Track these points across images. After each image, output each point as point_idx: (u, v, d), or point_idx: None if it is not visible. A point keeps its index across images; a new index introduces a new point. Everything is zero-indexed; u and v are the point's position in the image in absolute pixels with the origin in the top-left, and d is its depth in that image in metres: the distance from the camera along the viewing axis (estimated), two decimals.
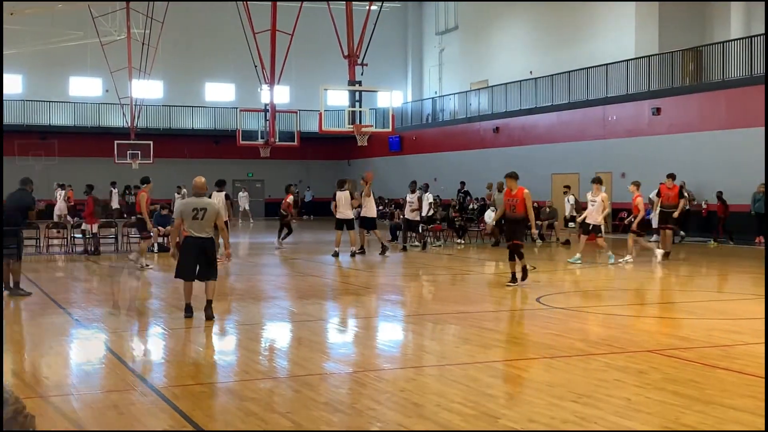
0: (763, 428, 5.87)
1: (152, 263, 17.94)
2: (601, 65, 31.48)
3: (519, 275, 14.12)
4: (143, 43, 37.54)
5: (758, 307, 11.74)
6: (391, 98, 29.61)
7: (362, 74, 26.38)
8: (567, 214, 25.22)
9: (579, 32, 35.36)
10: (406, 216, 22.73)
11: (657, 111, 28.65)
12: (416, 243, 23.23)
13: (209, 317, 10.51)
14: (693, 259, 19.08)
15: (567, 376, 7.56)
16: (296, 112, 38.70)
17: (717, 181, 25.89)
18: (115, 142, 40.66)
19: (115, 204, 38.69)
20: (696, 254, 20.63)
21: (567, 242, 24.56)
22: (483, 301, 13.11)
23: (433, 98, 44.76)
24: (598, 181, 18.70)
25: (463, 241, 25.05)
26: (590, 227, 18.47)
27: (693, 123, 27.52)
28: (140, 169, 37.65)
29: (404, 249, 22.20)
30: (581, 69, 32.35)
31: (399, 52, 49.75)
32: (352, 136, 27.17)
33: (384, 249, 20.64)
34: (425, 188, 24.30)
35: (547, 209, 26.22)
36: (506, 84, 36.83)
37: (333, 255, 20.12)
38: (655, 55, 30.09)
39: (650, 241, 25.29)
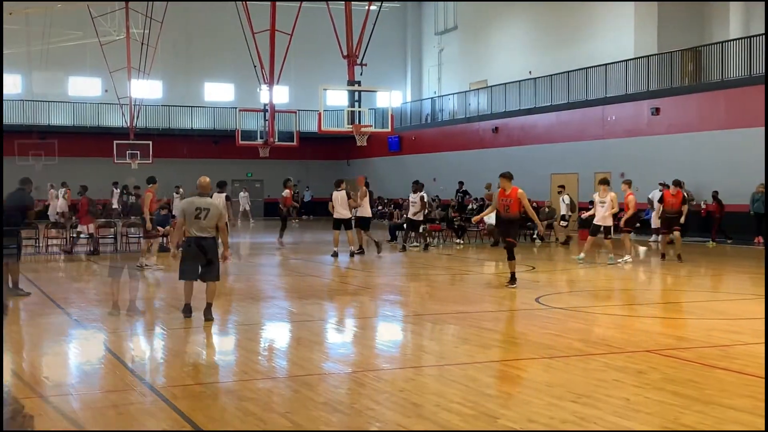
0: (762, 428, 5.87)
1: (151, 263, 17.96)
2: (600, 65, 31.48)
3: (515, 275, 14.07)
4: (142, 43, 37.53)
5: (757, 307, 11.75)
6: (390, 98, 29.62)
7: (361, 74, 26.41)
8: (563, 213, 25.19)
9: (578, 32, 35.36)
10: (409, 216, 22.68)
11: (656, 111, 28.66)
12: (415, 243, 23.21)
13: (208, 319, 10.50)
14: (692, 259, 19.08)
15: (566, 376, 7.56)
16: (295, 112, 38.72)
17: (716, 181, 25.89)
18: (115, 142, 40.64)
19: (115, 204, 38.67)
20: (695, 254, 20.63)
21: (566, 242, 24.58)
22: (482, 301, 13.11)
23: (432, 98, 44.76)
24: (605, 182, 18.67)
25: (462, 241, 25.05)
26: (600, 228, 18.44)
27: (692, 123, 27.53)
28: (140, 169, 37.70)
29: (403, 249, 22.20)
30: (580, 69, 32.35)
31: (398, 52, 49.75)
32: (352, 136, 27.19)
33: (378, 247, 20.66)
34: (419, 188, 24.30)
35: (546, 209, 26.22)
36: (505, 84, 36.83)
37: (332, 255, 20.13)
38: (654, 55, 30.09)
39: (649, 242, 25.38)
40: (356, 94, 25.90)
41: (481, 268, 18.83)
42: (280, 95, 38.64)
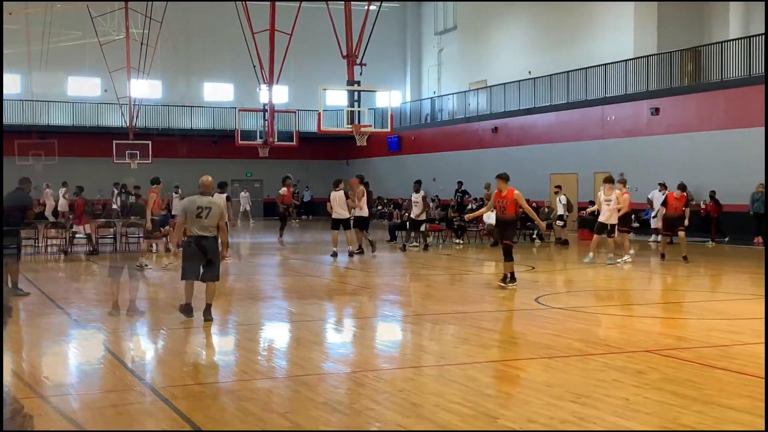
0: (762, 428, 5.87)
1: (151, 263, 17.97)
2: (599, 65, 31.48)
3: (515, 275, 14.03)
4: (142, 43, 37.53)
5: (757, 307, 11.76)
6: (389, 98, 29.63)
7: (361, 74, 26.41)
8: (560, 213, 25.20)
9: (578, 32, 35.36)
10: (412, 216, 22.65)
11: (655, 111, 28.66)
12: (415, 243, 23.21)
13: (208, 319, 10.49)
14: (691, 259, 19.08)
15: (565, 376, 7.56)
16: (295, 112, 38.73)
17: (715, 181, 25.90)
18: (114, 142, 40.63)
19: (115, 204, 38.62)
20: (694, 254, 20.62)
21: (565, 242, 24.59)
22: (482, 301, 13.11)
23: (431, 98, 44.76)
24: (609, 180, 18.66)
25: (461, 241, 25.05)
26: (606, 227, 18.43)
27: (691, 123, 27.53)
28: (139, 169, 37.69)
29: (404, 248, 22.20)
30: (580, 69, 32.35)
31: (398, 52, 49.74)
32: (351, 136, 27.21)
33: (373, 247, 20.67)
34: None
35: (546, 209, 26.23)
36: (505, 84, 36.83)
37: (331, 255, 20.13)
38: (654, 55, 30.10)
39: (649, 242, 25.38)
40: (356, 94, 25.91)
41: (481, 268, 18.83)
42: (279, 95, 38.64)
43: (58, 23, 39.72)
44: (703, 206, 26.24)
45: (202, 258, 10.55)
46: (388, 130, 30.57)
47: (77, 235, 21.26)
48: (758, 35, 25.66)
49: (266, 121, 34.52)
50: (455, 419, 6.15)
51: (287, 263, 20.21)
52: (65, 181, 33.67)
